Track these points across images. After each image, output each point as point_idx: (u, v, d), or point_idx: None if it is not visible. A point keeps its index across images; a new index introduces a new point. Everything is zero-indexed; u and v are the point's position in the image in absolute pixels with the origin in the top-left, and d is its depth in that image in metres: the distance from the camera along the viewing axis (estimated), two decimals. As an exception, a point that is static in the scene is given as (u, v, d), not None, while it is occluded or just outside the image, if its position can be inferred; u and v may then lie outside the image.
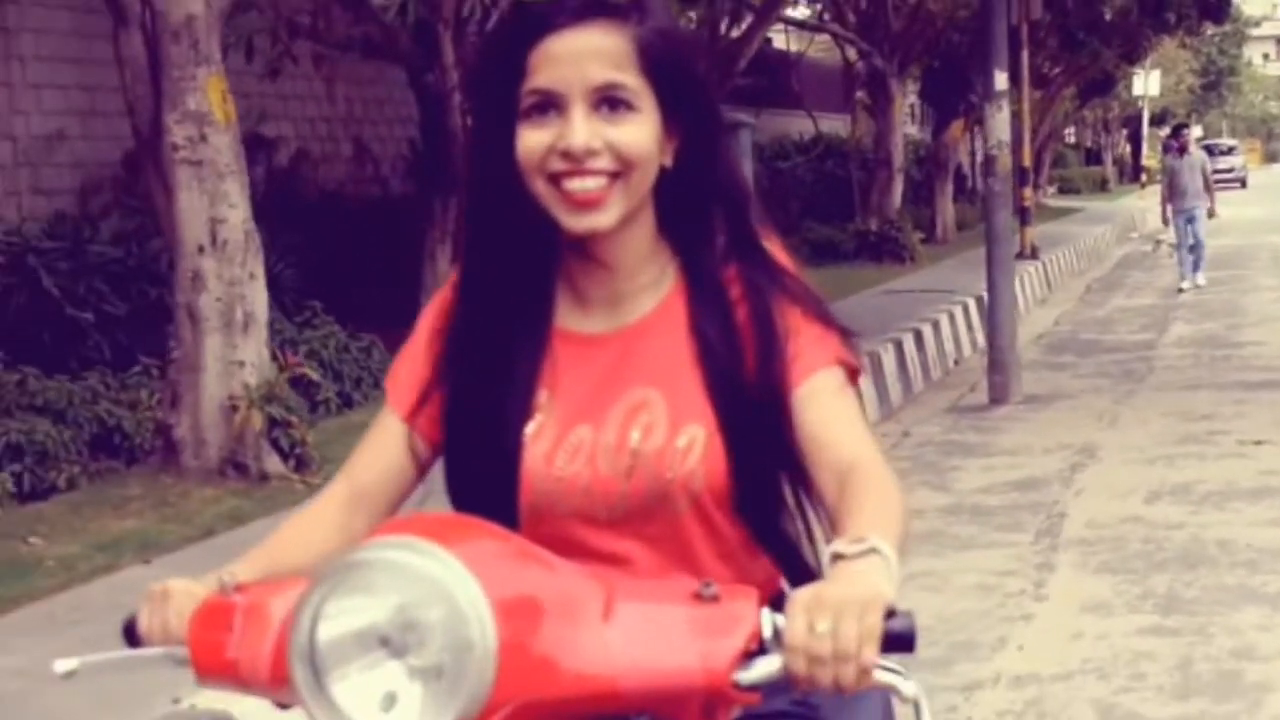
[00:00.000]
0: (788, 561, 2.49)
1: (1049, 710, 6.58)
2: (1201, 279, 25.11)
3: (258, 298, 9.80)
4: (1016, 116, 32.92)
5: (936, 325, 17.67)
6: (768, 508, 2.47)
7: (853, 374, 2.44)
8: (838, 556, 2.06)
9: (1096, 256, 32.60)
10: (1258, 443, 11.98)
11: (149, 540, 8.66)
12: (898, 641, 1.96)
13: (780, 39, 34.48)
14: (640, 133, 2.35)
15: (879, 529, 2.09)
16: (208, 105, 9.42)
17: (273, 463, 9.72)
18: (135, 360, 11.54)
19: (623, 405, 2.43)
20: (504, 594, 1.92)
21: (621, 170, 2.35)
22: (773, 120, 31.65)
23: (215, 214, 9.52)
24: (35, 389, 10.53)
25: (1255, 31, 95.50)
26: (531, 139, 2.34)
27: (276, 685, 2.05)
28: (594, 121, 2.32)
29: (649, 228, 2.47)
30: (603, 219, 2.36)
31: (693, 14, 17.70)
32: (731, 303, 2.46)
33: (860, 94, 38.68)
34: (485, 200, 2.47)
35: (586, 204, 2.34)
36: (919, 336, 16.70)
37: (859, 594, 1.95)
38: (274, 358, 10.42)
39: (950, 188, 33.11)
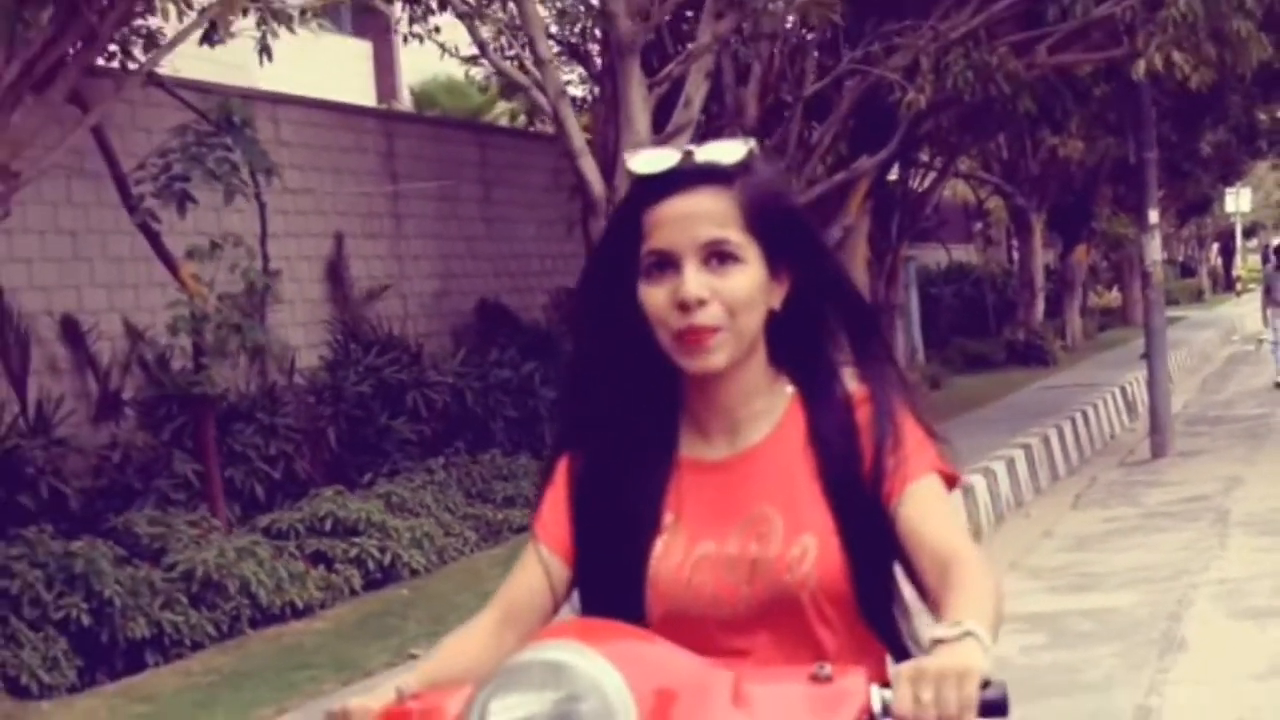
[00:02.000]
0: (897, 649, 2.74)
1: (1236, 591, 11.25)
2: None
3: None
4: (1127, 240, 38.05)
5: (1095, 408, 22.26)
6: (883, 599, 2.73)
7: (950, 482, 2.75)
8: (937, 641, 2.34)
9: (1205, 356, 36.91)
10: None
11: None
12: (993, 708, 2.25)
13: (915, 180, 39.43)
14: (745, 282, 2.67)
15: (974, 614, 2.38)
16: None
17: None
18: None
19: (743, 522, 2.73)
20: (644, 686, 2.22)
21: (729, 316, 2.67)
22: (913, 252, 36.68)
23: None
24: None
25: None
26: (654, 294, 2.67)
27: None
28: (704, 274, 2.65)
29: (760, 362, 2.78)
30: (715, 360, 2.67)
31: (893, 175, 22.17)
32: (853, 415, 2.78)
33: (979, 225, 43.79)
34: (609, 348, 2.81)
35: (701, 348, 2.67)
36: (1085, 416, 21.30)
37: (957, 666, 2.26)
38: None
39: (1078, 303, 38.06)
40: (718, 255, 2.65)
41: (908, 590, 2.73)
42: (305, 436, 14.23)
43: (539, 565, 2.81)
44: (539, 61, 14.26)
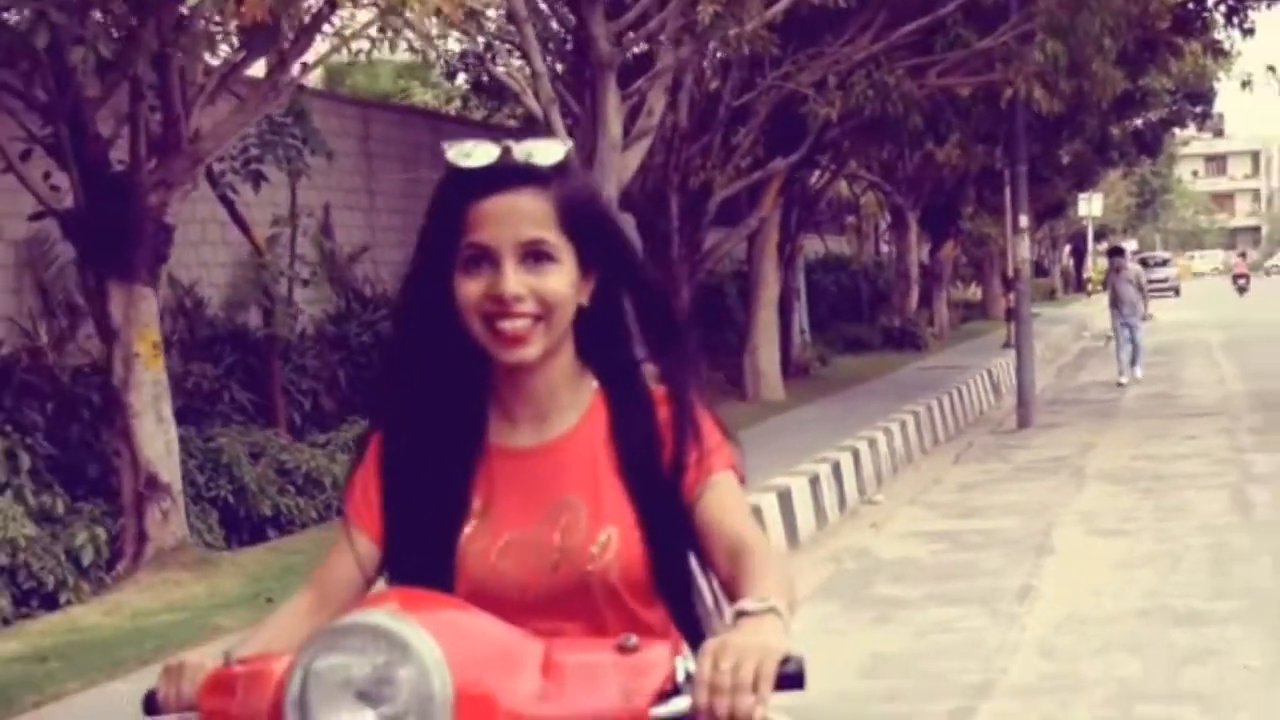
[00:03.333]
0: (693, 637, 2.82)
1: (1090, 517, 14.38)
2: (1139, 372, 28.97)
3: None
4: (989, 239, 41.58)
5: (966, 386, 25.40)
6: (680, 587, 2.88)
7: (740, 481, 2.88)
8: (742, 613, 2.44)
9: (1060, 349, 40.23)
10: (1192, 437, 19.92)
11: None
12: (791, 680, 2.36)
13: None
14: (560, 281, 2.75)
15: (776, 593, 2.49)
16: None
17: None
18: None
19: (549, 510, 2.82)
20: (460, 653, 2.33)
21: (543, 313, 2.75)
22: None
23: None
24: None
25: (1184, 150, 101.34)
26: (469, 286, 2.74)
27: None
28: (521, 272, 2.72)
29: (569, 356, 2.88)
30: (529, 352, 2.76)
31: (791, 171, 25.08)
32: (654, 411, 2.88)
33: (851, 219, 47.15)
34: (422, 334, 2.87)
35: (515, 341, 2.74)
36: (959, 392, 24.43)
37: (758, 642, 2.35)
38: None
39: (946, 294, 41.56)
40: (534, 254, 2.73)
41: (703, 582, 2.89)
42: (319, 378, 17.04)
43: (353, 547, 2.89)
44: (534, 74, 17.11)
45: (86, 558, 11.13)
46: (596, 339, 2.90)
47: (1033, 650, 9.56)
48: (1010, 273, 34.25)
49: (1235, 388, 26.81)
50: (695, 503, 2.80)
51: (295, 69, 11.72)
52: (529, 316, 2.74)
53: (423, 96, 36.66)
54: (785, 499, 13.67)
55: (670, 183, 21.84)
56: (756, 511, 12.47)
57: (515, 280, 2.72)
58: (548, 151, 2.78)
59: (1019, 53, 21.09)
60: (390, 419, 2.95)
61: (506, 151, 2.78)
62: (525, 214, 2.74)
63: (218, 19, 10.47)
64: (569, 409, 2.90)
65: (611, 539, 2.78)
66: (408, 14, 10.17)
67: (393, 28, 10.70)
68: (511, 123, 24.84)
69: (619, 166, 17.28)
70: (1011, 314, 35.25)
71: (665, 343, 2.92)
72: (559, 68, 20.95)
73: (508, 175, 2.76)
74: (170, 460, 11.66)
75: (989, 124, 26.88)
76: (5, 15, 10.03)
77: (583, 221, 2.81)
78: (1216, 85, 45.07)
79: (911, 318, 37.22)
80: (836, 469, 15.65)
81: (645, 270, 2.97)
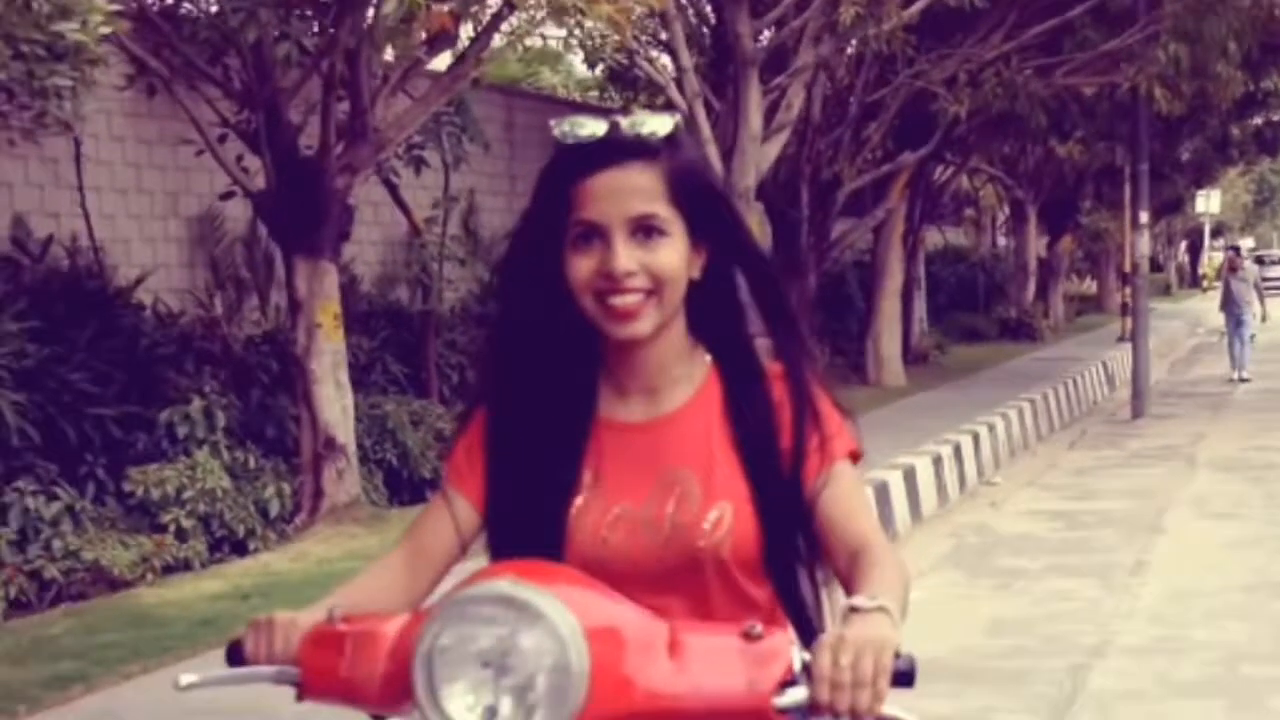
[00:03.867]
0: (798, 620, 2.78)
1: (1201, 502, 15.11)
2: (1246, 373, 28.84)
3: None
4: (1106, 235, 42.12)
5: (1081, 377, 26.08)
6: (789, 568, 2.81)
7: (855, 458, 2.82)
8: (853, 609, 2.42)
9: (1173, 344, 40.67)
10: (1302, 430, 20.60)
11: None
12: (903, 678, 2.32)
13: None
14: (671, 255, 2.69)
15: (888, 593, 2.46)
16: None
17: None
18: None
19: (660, 484, 2.76)
20: (594, 625, 2.29)
21: (655, 287, 2.68)
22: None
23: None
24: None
25: None
26: (580, 264, 2.69)
27: (385, 701, 2.48)
28: (631, 247, 2.66)
29: (681, 330, 2.81)
30: (641, 327, 2.70)
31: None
32: (769, 390, 2.81)
33: (970, 212, 47.70)
34: (529, 311, 2.81)
35: (627, 316, 2.69)
36: (1074, 382, 25.12)
37: (875, 636, 2.32)
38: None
39: (1062, 288, 42.18)
40: (645, 229, 2.68)
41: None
42: (467, 353, 18.01)
43: (447, 509, 2.85)
44: (681, 69, 17.99)
45: (273, 510, 12.22)
46: (709, 314, 2.83)
47: (1145, 617, 10.35)
48: (1128, 267, 34.90)
49: (1348, 385, 27.38)
50: (817, 493, 2.74)
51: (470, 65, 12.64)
52: (641, 291, 2.68)
53: (550, 80, 37.66)
54: (910, 477, 14.46)
55: (802, 174, 22.65)
56: (882, 488, 13.37)
57: (626, 256, 2.66)
58: (657, 124, 2.73)
59: (1143, 54, 21.73)
60: (498, 395, 2.90)
61: (614, 126, 2.71)
62: (635, 189, 2.69)
63: (403, 23, 11.40)
64: (682, 384, 2.84)
65: (725, 515, 2.73)
66: (583, 19, 10.99)
67: (566, 28, 11.59)
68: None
69: (758, 158, 18.17)
70: (1127, 308, 35.93)
71: (778, 320, 2.86)
72: (699, 62, 21.80)
73: (616, 150, 2.70)
74: (346, 424, 12.69)
75: (1111, 122, 27.54)
76: (216, 12, 10.97)
77: (693, 194, 2.74)
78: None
79: (1028, 309, 37.97)
80: (958, 451, 16.44)
81: (756, 246, 2.89)
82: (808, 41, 18.69)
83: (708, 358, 2.85)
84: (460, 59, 12.46)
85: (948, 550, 13.07)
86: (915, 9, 19.11)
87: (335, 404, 12.49)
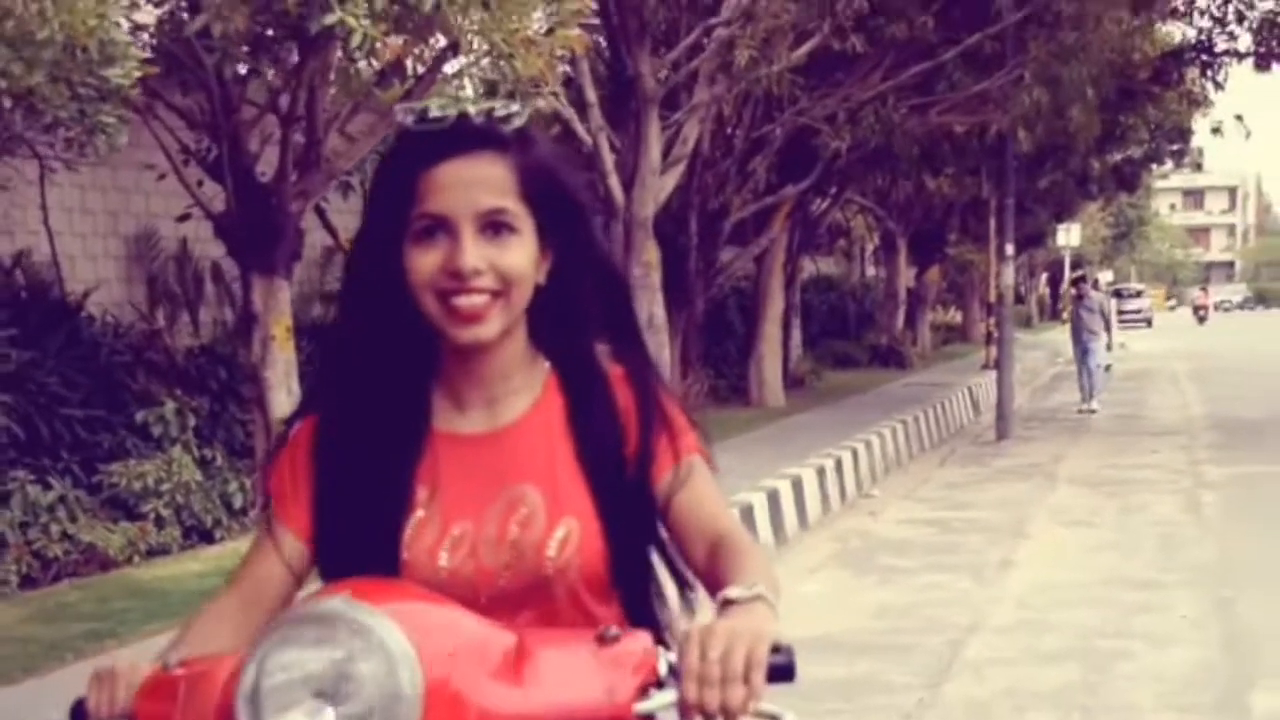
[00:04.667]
0: (654, 636, 2.50)
1: (1061, 511, 16.62)
2: (1096, 404, 29.33)
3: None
4: (971, 266, 43.96)
5: (949, 402, 27.63)
6: (640, 586, 2.69)
7: (710, 465, 2.71)
8: (728, 601, 2.32)
9: (1034, 373, 42.31)
10: (1154, 451, 22.21)
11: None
12: (781, 672, 2.21)
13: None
14: (521, 255, 2.54)
15: (761, 580, 2.37)
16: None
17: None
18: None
19: (502, 501, 2.59)
20: (427, 644, 2.14)
21: (503, 288, 2.53)
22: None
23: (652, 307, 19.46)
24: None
25: (1162, 184, 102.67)
26: (422, 259, 2.51)
27: None
28: (480, 244, 2.50)
29: (522, 337, 2.66)
30: (486, 331, 2.54)
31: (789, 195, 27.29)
32: (613, 395, 2.68)
33: (842, 242, 49.43)
34: (366, 311, 2.62)
35: (472, 318, 2.52)
36: (942, 406, 26.65)
37: (747, 627, 2.22)
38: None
39: (929, 317, 44.01)
40: (494, 225, 2.53)
41: (665, 581, 2.75)
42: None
43: (277, 547, 2.64)
44: (586, 104, 19.33)
45: (236, 502, 13.43)
46: (550, 321, 2.70)
47: (1011, 603, 11.75)
48: (993, 298, 36.56)
49: (1196, 411, 29.08)
50: (667, 491, 2.64)
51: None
52: (488, 292, 2.53)
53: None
54: (798, 486, 15.79)
55: (691, 204, 24.04)
56: (773, 496, 14.71)
57: (474, 253, 2.51)
58: (509, 112, 2.58)
59: (1009, 96, 23.40)
60: (327, 404, 2.71)
61: (463, 113, 2.54)
62: (484, 180, 2.53)
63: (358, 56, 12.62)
64: (522, 393, 2.69)
65: (571, 532, 2.58)
66: (516, 64, 12.24)
67: (501, 74, 12.81)
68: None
69: (657, 188, 19.54)
70: (991, 337, 37.69)
71: (620, 324, 2.76)
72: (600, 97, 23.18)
73: (465, 138, 2.53)
74: (295, 427, 13.87)
75: (979, 158, 29.20)
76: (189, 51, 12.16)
77: (544, 193, 2.60)
78: (1193, 126, 47.34)
79: (898, 337, 39.75)
80: (839, 464, 17.81)
81: (602, 247, 2.79)
82: (703, 80, 20.09)
83: (547, 365, 2.73)
84: (407, 94, 13.72)
85: (833, 552, 14.38)
86: (802, 51, 20.59)
87: (287, 408, 13.65)
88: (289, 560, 2.64)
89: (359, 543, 2.58)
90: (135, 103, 9.02)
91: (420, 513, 2.60)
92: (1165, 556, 13.67)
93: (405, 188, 2.53)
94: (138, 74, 8.80)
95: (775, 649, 2.23)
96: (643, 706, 2.25)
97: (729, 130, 24.93)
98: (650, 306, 19.37)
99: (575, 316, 2.71)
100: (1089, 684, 9.27)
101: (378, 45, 11.01)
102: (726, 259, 25.74)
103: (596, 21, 17.56)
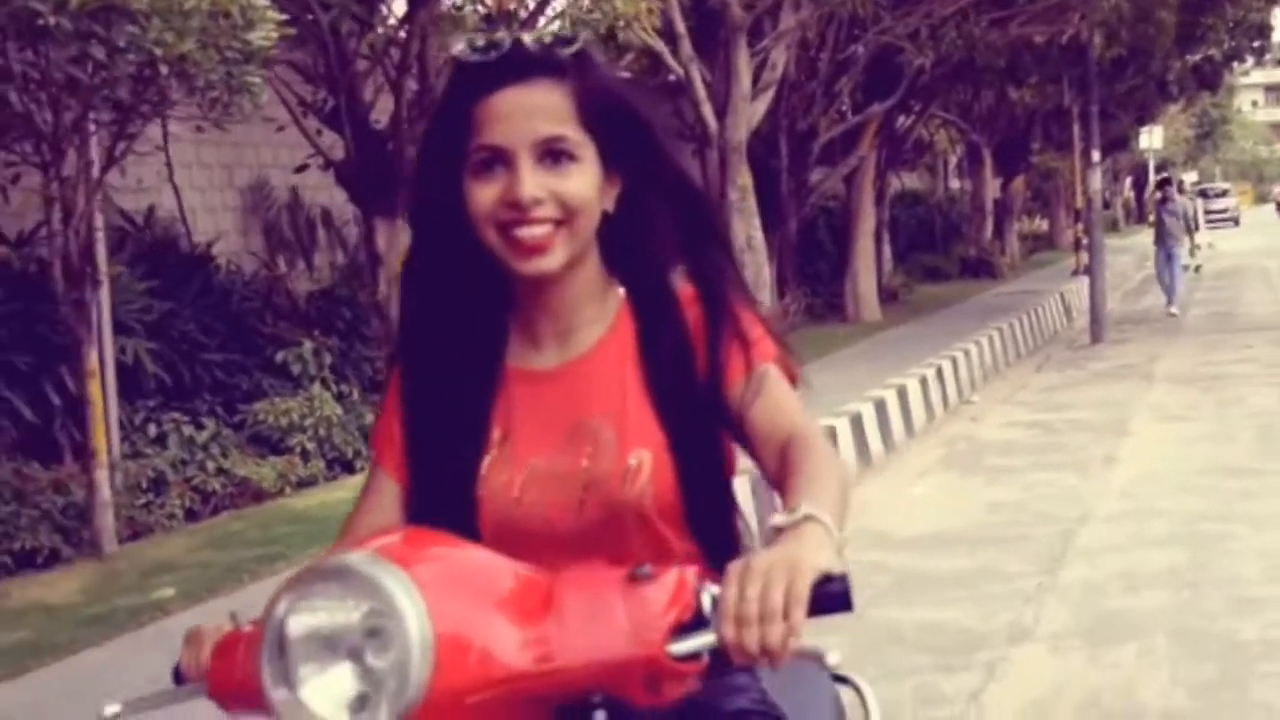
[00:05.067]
0: (727, 547, 2.57)
1: (1160, 409, 17.11)
2: (1175, 309, 29.16)
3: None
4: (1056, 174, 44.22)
5: (1041, 309, 28.05)
6: (717, 517, 2.61)
7: (791, 380, 2.60)
8: (776, 530, 2.16)
9: (1124, 277, 42.71)
10: (1249, 346, 22.60)
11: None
12: (833, 601, 2.05)
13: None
14: (582, 182, 2.49)
15: (816, 496, 2.21)
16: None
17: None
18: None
19: (573, 435, 2.56)
20: (443, 596, 2.07)
21: (565, 217, 2.48)
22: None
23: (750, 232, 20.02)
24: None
25: (1244, 80, 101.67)
26: (482, 192, 2.47)
27: (264, 700, 2.12)
28: (539, 173, 2.45)
29: (594, 266, 2.61)
30: (550, 262, 2.49)
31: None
32: (684, 316, 2.61)
33: (924, 157, 49.68)
34: (434, 250, 2.60)
35: (534, 249, 2.48)
36: (1035, 313, 27.08)
37: (788, 558, 2.05)
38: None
39: (1016, 226, 44.29)
40: (553, 153, 2.48)
41: (748, 515, 2.67)
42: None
43: (380, 491, 2.66)
44: (675, 35, 19.84)
45: (374, 434, 14.09)
46: (623, 247, 2.65)
47: (1117, 495, 12.28)
48: (1080, 204, 36.82)
49: (1289, 306, 29.43)
50: (739, 404, 2.55)
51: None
52: (549, 222, 2.49)
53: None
54: (902, 395, 16.34)
55: (780, 128, 24.55)
56: (880, 405, 15.25)
57: (533, 182, 2.46)
58: (565, 38, 2.54)
59: (1089, 3, 23.74)
60: (408, 350, 2.70)
61: (518, 41, 2.50)
62: (541, 108, 2.48)
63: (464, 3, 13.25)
64: (594, 324, 2.64)
65: (643, 463, 2.53)
66: (616, 2, 12.85)
67: (602, 12, 13.39)
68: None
69: (748, 114, 20.06)
70: (1079, 244, 37.99)
71: (701, 244, 2.68)
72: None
73: (520, 66, 2.49)
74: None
75: (1060, 66, 29.51)
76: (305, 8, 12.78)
77: (606, 116, 2.55)
78: (1273, 22, 47.13)
79: (986, 247, 40.07)
80: (940, 373, 18.33)
81: (679, 166, 2.69)
82: (788, 6, 20.57)
83: (621, 292, 2.68)
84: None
85: (941, 456, 14.92)
86: (885, -28, 21.04)
87: (416, 343, 14.34)
88: (391, 503, 2.65)
89: (439, 484, 2.60)
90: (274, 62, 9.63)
91: (494, 452, 2.59)
92: (1263, 446, 14.13)
93: (462, 120, 2.51)
94: (275, 35, 9.40)
95: (827, 578, 2.07)
96: (677, 648, 2.13)
97: (813, 53, 25.34)
98: (748, 229, 19.90)
99: (648, 241, 2.65)
100: (1197, 562, 9.80)
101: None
102: (816, 179, 26.23)
103: (685, -44, 18.05)
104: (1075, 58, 26.32)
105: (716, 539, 2.62)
